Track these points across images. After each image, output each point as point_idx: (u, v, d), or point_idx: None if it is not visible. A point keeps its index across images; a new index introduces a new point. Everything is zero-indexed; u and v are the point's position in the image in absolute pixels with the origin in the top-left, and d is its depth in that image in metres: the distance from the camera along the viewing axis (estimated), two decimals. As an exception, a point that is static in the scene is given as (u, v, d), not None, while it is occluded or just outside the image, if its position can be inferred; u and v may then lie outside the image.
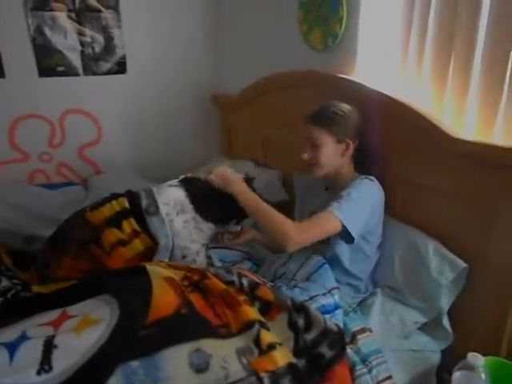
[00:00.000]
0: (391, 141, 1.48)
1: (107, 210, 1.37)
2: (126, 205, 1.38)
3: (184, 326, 0.98)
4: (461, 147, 1.26)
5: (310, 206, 1.57)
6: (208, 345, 0.95)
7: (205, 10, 2.56)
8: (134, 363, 0.88)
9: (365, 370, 1.13)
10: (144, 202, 1.38)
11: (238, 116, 2.50)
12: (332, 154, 1.41)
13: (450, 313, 1.35)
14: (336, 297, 1.31)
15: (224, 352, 0.95)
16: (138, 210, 1.37)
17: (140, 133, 2.58)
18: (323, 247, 1.42)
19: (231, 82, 2.53)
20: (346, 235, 1.32)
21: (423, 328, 1.39)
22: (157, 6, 2.41)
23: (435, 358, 1.33)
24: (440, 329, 1.36)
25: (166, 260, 1.35)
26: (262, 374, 0.94)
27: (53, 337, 0.93)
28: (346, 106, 1.44)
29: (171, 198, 1.41)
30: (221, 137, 2.76)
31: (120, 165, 2.53)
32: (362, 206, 1.33)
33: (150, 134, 2.60)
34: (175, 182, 1.48)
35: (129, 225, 1.34)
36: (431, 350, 1.33)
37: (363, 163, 1.49)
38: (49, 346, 0.91)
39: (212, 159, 2.61)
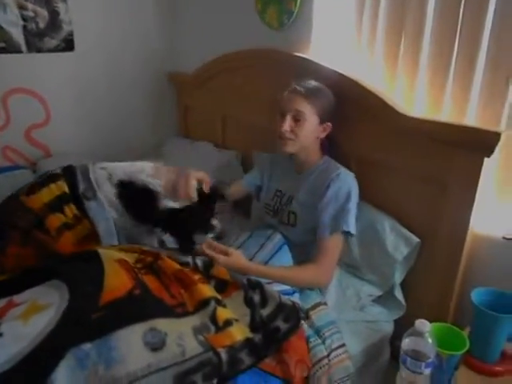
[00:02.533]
0: (345, 119, 1.49)
1: (46, 195, 1.31)
2: (66, 189, 1.33)
3: (137, 307, 0.96)
4: (410, 124, 1.30)
5: (275, 186, 1.57)
6: (163, 324, 0.94)
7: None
8: (86, 346, 0.86)
9: (319, 341, 1.17)
10: (81, 187, 1.34)
11: (195, 95, 2.45)
12: (311, 132, 1.40)
13: (401, 284, 1.42)
14: None
15: (179, 330, 0.95)
16: (77, 194, 1.32)
17: (91, 113, 2.46)
18: (288, 229, 1.43)
19: (188, 61, 2.46)
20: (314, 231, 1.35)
21: (377, 300, 1.45)
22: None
23: (388, 327, 1.39)
24: (393, 300, 1.42)
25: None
26: (220, 349, 0.95)
27: None
28: (324, 87, 1.42)
29: (104, 194, 1.35)
30: (178, 117, 2.70)
31: (71, 147, 2.41)
32: (350, 206, 1.35)
33: (102, 114, 2.50)
34: (114, 179, 1.39)
35: (70, 210, 1.30)
36: (385, 320, 1.39)
37: (327, 143, 1.49)
38: None
39: (169, 141, 2.56)
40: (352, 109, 1.48)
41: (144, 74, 2.57)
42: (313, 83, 1.40)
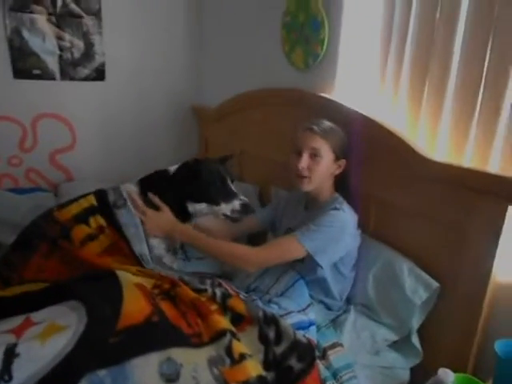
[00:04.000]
0: (367, 160, 1.51)
1: (74, 208, 1.39)
2: (94, 201, 1.41)
3: (154, 335, 0.95)
4: (431, 168, 1.30)
5: (286, 223, 1.57)
6: (179, 354, 0.93)
7: (187, 21, 2.58)
8: (101, 372, 0.85)
9: None
10: (111, 198, 1.41)
11: (216, 129, 2.50)
12: (327, 170, 1.42)
13: (419, 330, 1.38)
14: (311, 314, 1.31)
15: (195, 362, 0.93)
16: (105, 205, 1.39)
17: (115, 141, 2.54)
18: (298, 265, 1.42)
19: (212, 95, 2.54)
20: (314, 262, 1.33)
21: (393, 345, 1.40)
22: (139, 15, 2.42)
23: (404, 375, 1.34)
24: (410, 346, 1.37)
25: (147, 253, 1.35)
26: None
27: (14, 345, 0.89)
28: (336, 126, 1.45)
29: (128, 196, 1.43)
30: (198, 148, 2.75)
31: (93, 173, 2.48)
32: (334, 238, 1.33)
33: (125, 142, 2.57)
34: (136, 179, 1.53)
35: (95, 221, 1.36)
36: (401, 367, 1.34)
37: (341, 181, 1.50)
38: (10, 355, 0.87)
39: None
40: (374, 150, 1.49)
41: (169, 106, 2.65)
42: (326, 122, 1.44)
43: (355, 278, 1.50)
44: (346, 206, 1.41)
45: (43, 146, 2.33)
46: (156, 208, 1.43)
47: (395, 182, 1.46)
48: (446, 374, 0.88)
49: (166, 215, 1.42)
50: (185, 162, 1.50)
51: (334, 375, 1.16)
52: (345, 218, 1.37)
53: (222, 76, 2.52)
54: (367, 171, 1.51)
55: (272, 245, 1.38)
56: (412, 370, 1.35)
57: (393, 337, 1.40)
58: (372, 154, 1.50)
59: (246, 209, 1.46)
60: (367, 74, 1.63)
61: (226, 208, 1.45)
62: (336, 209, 1.37)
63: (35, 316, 0.98)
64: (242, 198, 1.47)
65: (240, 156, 2.27)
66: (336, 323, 1.40)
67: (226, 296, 1.15)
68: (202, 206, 1.47)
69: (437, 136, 1.40)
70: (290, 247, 1.32)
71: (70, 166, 2.43)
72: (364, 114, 1.52)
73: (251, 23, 2.18)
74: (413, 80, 1.46)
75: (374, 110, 1.56)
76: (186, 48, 2.62)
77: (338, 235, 1.34)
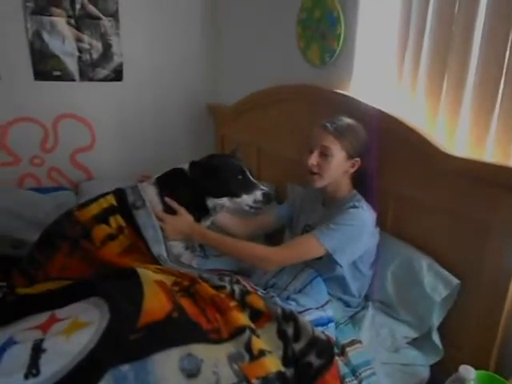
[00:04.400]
0: (384, 156, 1.50)
1: (95, 208, 1.41)
2: (113, 202, 1.42)
3: (175, 331, 0.97)
4: (452, 163, 1.29)
5: (304, 220, 1.57)
6: (199, 350, 0.94)
7: (204, 21, 2.60)
8: (124, 367, 0.86)
9: (355, 381, 1.13)
10: (130, 198, 1.43)
11: (232, 127, 2.52)
12: (338, 168, 1.41)
13: (439, 327, 1.36)
14: (329, 311, 1.31)
15: (215, 357, 0.94)
16: (125, 206, 1.41)
17: (133, 141, 2.58)
18: (316, 263, 1.42)
19: (228, 93, 2.55)
20: (333, 261, 1.33)
21: (413, 342, 1.39)
22: (156, 16, 2.44)
23: (424, 372, 1.33)
24: (430, 344, 1.36)
25: (165, 254, 1.36)
26: (254, 380, 0.93)
27: (41, 340, 0.92)
28: (357, 123, 1.44)
29: (147, 198, 1.44)
30: (215, 147, 2.77)
31: (112, 171, 2.52)
32: (353, 237, 1.33)
33: (143, 142, 2.60)
34: (153, 179, 1.54)
35: (115, 221, 1.38)
36: (420, 364, 1.33)
37: (359, 178, 1.50)
38: (37, 350, 0.89)
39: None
40: (392, 146, 1.48)
41: (186, 105, 2.68)
42: (344, 119, 1.43)
43: (373, 275, 1.49)
44: (364, 204, 1.40)
45: (64, 146, 2.39)
46: (174, 211, 1.45)
47: (414, 177, 1.44)
48: (468, 371, 0.87)
49: (184, 218, 1.44)
50: (194, 160, 1.50)
51: (353, 372, 1.16)
52: (364, 216, 1.37)
53: (238, 74, 2.53)
54: (386, 167, 1.50)
55: (291, 244, 1.38)
56: (432, 367, 1.34)
57: (412, 334, 1.39)
58: (390, 150, 1.48)
59: (268, 198, 1.48)
60: (384, 70, 1.61)
61: (248, 199, 1.46)
62: (355, 207, 1.37)
63: (60, 312, 1.01)
64: (262, 187, 1.49)
65: (258, 154, 2.29)
66: (354, 320, 1.40)
67: (244, 293, 1.16)
68: (223, 200, 1.48)
69: (456, 131, 1.38)
70: (310, 246, 1.32)
71: (90, 165, 2.48)
72: (382, 109, 1.50)
73: (266, 21, 2.18)
74: (431, 75, 1.44)
75: (392, 105, 1.55)
76: (202, 47, 2.64)
77: (358, 234, 1.34)
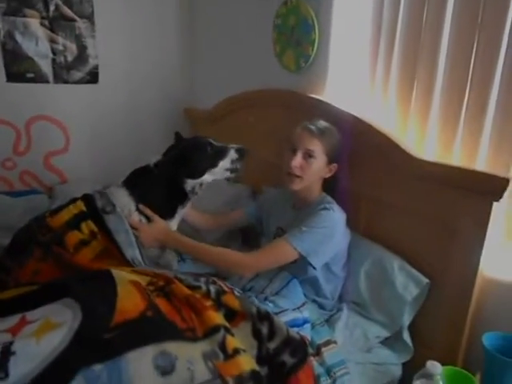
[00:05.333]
0: (357, 160, 1.53)
1: (66, 214, 1.39)
2: (83, 207, 1.40)
3: (149, 329, 0.97)
4: (421, 167, 1.33)
5: (275, 222, 1.59)
6: (173, 347, 0.94)
7: (180, 24, 2.60)
8: (97, 367, 0.85)
9: (329, 381, 1.15)
10: (99, 203, 1.41)
11: (209, 132, 2.49)
12: (318, 171, 1.43)
13: (409, 327, 1.40)
14: (305, 312, 1.33)
15: (190, 355, 0.94)
16: (95, 211, 1.39)
17: (108, 144, 2.55)
18: (290, 265, 1.43)
19: (204, 97, 2.55)
20: (306, 263, 1.35)
21: (385, 342, 1.43)
22: (132, 18, 2.43)
23: (396, 370, 1.36)
24: (401, 343, 1.40)
25: (139, 258, 1.35)
26: (228, 378, 0.94)
27: (10, 343, 0.90)
28: (334, 128, 1.46)
29: (119, 203, 1.43)
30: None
31: (85, 174, 2.48)
32: (325, 238, 1.35)
33: (118, 145, 2.57)
34: (120, 182, 1.52)
35: (87, 226, 1.36)
36: (392, 363, 1.37)
37: (328, 181, 1.52)
38: (6, 353, 0.87)
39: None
40: (364, 150, 1.52)
41: (162, 109, 2.67)
42: (323, 123, 1.45)
43: (346, 276, 1.52)
44: (335, 205, 1.43)
45: (37, 148, 2.34)
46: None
47: (385, 180, 1.48)
48: (434, 367, 0.91)
49: (159, 225, 1.44)
50: (159, 159, 1.53)
51: (328, 371, 1.18)
52: (335, 217, 1.39)
53: (214, 78, 2.53)
54: (357, 170, 1.53)
55: (265, 250, 1.39)
56: (404, 365, 1.38)
57: (384, 333, 1.42)
58: (362, 154, 1.52)
59: (242, 152, 1.50)
60: (358, 75, 1.65)
61: (225, 163, 1.48)
62: (326, 209, 1.39)
63: (30, 314, 0.99)
64: (232, 145, 1.51)
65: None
66: (330, 322, 1.42)
67: (220, 292, 1.16)
68: (204, 177, 1.49)
69: (425, 135, 1.43)
70: (284, 251, 1.34)
71: (64, 168, 2.44)
72: (354, 114, 1.54)
73: (243, 26, 2.20)
74: (401, 81, 1.49)
75: (365, 110, 1.59)
76: (179, 50, 2.64)
77: (330, 235, 1.36)
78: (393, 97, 1.52)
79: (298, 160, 1.41)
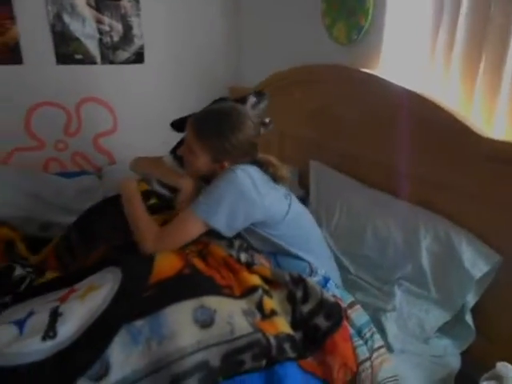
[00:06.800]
0: (415, 139, 1.43)
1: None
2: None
3: (187, 285, 1.00)
4: (489, 147, 1.22)
5: None
6: (212, 301, 0.96)
7: (225, 1, 2.52)
8: (139, 323, 0.90)
9: (361, 341, 1.11)
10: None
11: (254, 109, 2.46)
12: (203, 167, 1.32)
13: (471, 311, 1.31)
14: (320, 271, 1.27)
15: (229, 309, 0.96)
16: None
17: (155, 123, 2.55)
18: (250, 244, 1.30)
19: (251, 75, 2.49)
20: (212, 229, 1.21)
21: (443, 328, 1.32)
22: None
23: (455, 362, 1.28)
24: (461, 327, 1.31)
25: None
26: (268, 334, 0.95)
27: (57, 307, 0.95)
28: (235, 120, 1.30)
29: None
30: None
31: (134, 155, 2.51)
32: (223, 197, 1.18)
33: (165, 124, 2.57)
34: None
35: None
36: (452, 354, 1.29)
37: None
38: (54, 315, 0.93)
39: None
40: (423, 129, 1.41)
41: (207, 87, 2.63)
42: (214, 120, 1.34)
43: (400, 249, 1.41)
44: (242, 166, 1.24)
45: (87, 130, 2.39)
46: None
47: (447, 162, 1.37)
48: (506, 368, 0.83)
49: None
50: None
51: (359, 332, 1.14)
52: (236, 175, 1.20)
53: (260, 55, 2.46)
54: (416, 151, 1.44)
55: (169, 228, 1.21)
56: (463, 357, 1.30)
57: (443, 317, 1.31)
58: (422, 133, 1.42)
59: (261, 96, 1.51)
60: (416, 47, 1.52)
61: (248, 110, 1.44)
62: (227, 172, 1.22)
63: (78, 285, 1.05)
64: (248, 95, 1.50)
65: (280, 138, 2.23)
66: (377, 311, 1.33)
67: (249, 262, 1.17)
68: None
69: (494, 113, 1.30)
70: (189, 225, 1.19)
71: (113, 148, 2.48)
72: (412, 90, 1.43)
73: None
74: (467, 52, 1.35)
75: (424, 86, 1.47)
76: (224, 28, 2.58)
77: (231, 192, 1.19)
78: (456, 70, 1.39)
79: (182, 150, 1.42)
